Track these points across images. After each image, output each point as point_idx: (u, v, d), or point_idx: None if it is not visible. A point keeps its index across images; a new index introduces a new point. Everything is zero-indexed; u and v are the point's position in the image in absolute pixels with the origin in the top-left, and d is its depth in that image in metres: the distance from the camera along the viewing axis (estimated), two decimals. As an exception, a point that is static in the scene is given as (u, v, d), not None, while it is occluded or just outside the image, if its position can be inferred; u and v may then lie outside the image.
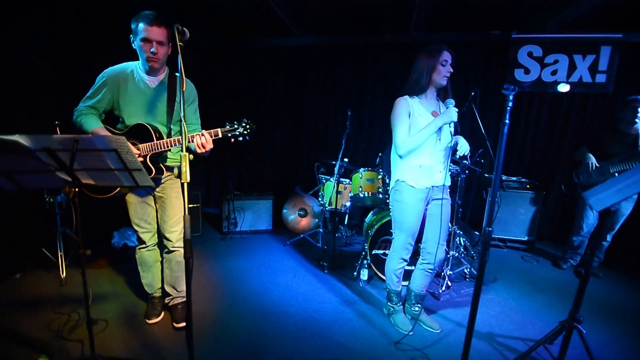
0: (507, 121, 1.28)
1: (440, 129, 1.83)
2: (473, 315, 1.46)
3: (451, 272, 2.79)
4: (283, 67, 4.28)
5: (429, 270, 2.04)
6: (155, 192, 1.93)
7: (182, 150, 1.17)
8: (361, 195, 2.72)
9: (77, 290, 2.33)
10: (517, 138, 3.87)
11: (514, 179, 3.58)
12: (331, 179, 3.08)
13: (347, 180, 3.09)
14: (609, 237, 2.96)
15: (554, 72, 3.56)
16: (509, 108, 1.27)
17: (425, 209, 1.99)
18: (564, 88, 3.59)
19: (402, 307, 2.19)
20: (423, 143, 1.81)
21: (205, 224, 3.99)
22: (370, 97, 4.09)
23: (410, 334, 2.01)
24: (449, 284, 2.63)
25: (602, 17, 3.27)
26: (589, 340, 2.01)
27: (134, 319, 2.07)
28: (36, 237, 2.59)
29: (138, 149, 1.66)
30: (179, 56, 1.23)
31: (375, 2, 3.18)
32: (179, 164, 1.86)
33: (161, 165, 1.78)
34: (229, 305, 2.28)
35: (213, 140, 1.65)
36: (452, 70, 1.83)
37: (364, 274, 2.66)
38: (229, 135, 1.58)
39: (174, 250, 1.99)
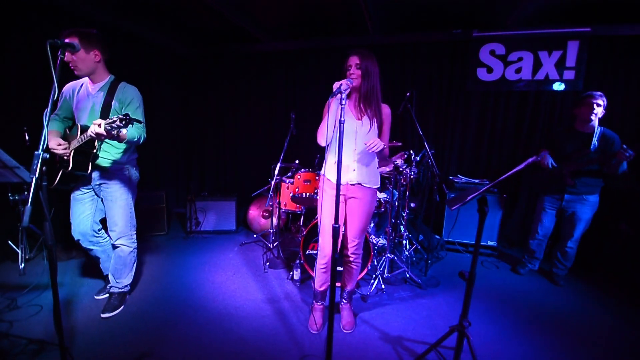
0: (342, 119, 1.30)
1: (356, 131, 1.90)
2: (330, 320, 1.47)
3: (389, 275, 2.76)
4: (254, 72, 4.43)
5: (348, 264, 2.13)
6: (100, 193, 2.16)
7: (39, 150, 1.31)
8: (297, 196, 2.77)
9: (33, 280, 2.57)
10: (484, 140, 3.72)
11: (476, 181, 3.44)
12: (285, 180, 3.15)
13: (292, 181, 3.14)
14: (569, 244, 2.76)
15: (518, 70, 3.41)
16: (342, 107, 1.29)
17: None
18: (559, 87, 3.35)
19: (321, 306, 2.21)
20: (328, 128, 1.82)
21: (177, 224, 4.19)
22: (335, 100, 4.12)
23: (314, 332, 2.04)
24: (383, 286, 2.60)
25: (567, 10, 3.10)
26: (514, 350, 1.95)
27: (67, 307, 2.25)
28: (3, 231, 2.89)
29: (67, 145, 1.92)
30: (52, 70, 1.37)
31: (324, 8, 3.24)
32: (108, 164, 2.08)
33: (90, 163, 1.98)
34: (157, 298, 2.40)
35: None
36: (355, 73, 1.84)
37: (297, 274, 2.69)
38: (108, 128, 1.66)
39: (117, 246, 2.22)
